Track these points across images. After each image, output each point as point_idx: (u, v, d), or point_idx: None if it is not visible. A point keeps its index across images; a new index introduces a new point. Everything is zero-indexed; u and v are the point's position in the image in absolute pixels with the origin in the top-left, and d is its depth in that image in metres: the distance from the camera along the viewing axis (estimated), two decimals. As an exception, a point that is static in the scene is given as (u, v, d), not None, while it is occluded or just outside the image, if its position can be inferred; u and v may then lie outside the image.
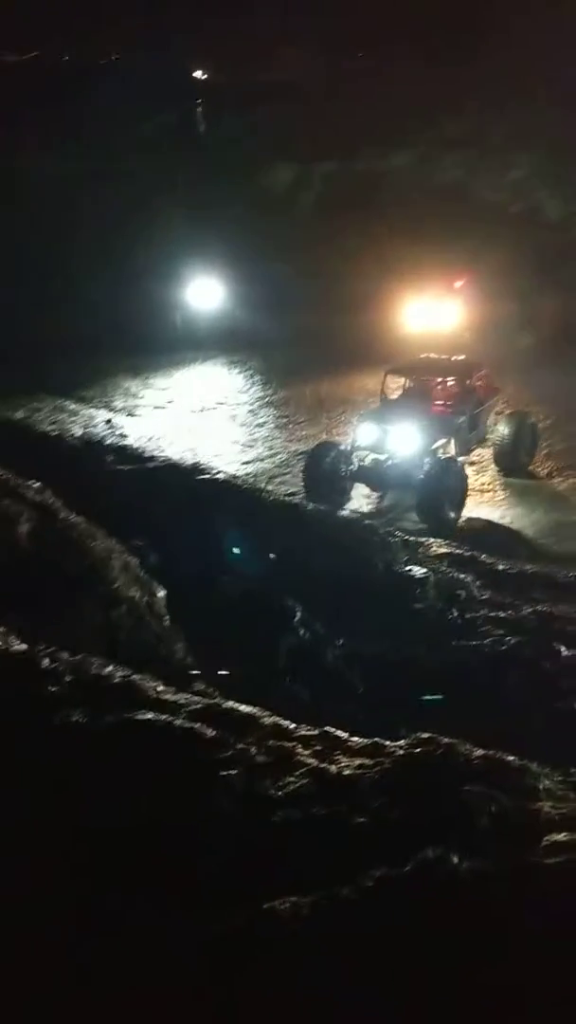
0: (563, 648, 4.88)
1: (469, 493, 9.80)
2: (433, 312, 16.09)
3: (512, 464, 10.86)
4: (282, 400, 13.97)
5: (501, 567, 7.01)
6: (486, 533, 9.23)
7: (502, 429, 10.89)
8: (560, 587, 6.69)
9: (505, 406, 11.48)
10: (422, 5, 25.90)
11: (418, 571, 5.91)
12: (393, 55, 25.65)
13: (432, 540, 8.04)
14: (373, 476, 9.82)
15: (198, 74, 29.58)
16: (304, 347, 16.28)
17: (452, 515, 9.32)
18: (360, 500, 10.12)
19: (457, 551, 7.38)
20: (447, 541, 8.13)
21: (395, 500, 9.91)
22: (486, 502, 10.15)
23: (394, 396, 10.74)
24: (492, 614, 5.60)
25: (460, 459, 10.10)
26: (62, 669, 2.89)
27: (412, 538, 7.43)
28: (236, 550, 5.49)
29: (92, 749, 2.48)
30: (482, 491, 10.31)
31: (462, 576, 6.29)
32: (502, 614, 5.59)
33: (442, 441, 10.09)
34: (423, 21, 25.73)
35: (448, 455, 10.02)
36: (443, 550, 7.26)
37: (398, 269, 17.06)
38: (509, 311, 14.16)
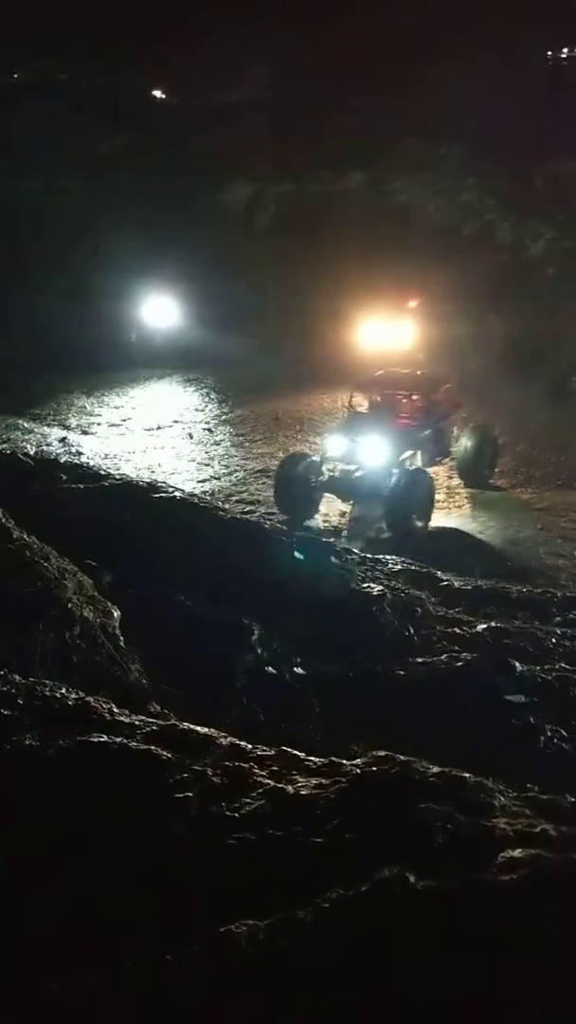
0: (518, 664, 4.92)
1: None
2: (387, 332, 16.30)
3: (475, 476, 11.19)
4: (239, 418, 13.98)
5: (457, 584, 7.06)
6: (452, 540, 9.54)
7: (465, 442, 11.19)
8: (513, 603, 6.76)
9: (463, 422, 11.66)
10: (379, 36, 26.35)
11: (375, 588, 5.92)
12: (348, 81, 26.05)
13: (388, 557, 8.08)
14: (343, 486, 10.08)
15: (156, 94, 29.74)
16: (260, 365, 16.34)
17: (419, 524, 9.60)
18: (328, 509, 10.34)
19: (413, 567, 7.42)
20: (402, 558, 8.19)
21: (363, 511, 10.16)
22: (451, 512, 10.49)
23: (360, 410, 11.01)
24: (448, 630, 5.63)
25: (427, 470, 10.43)
26: (14, 692, 2.84)
27: (369, 555, 7.46)
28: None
29: (45, 773, 2.43)
30: (448, 502, 10.60)
31: (418, 593, 6.32)
32: (458, 630, 5.62)
33: (408, 453, 10.39)
34: (379, 50, 26.17)
35: (415, 467, 10.31)
36: (399, 567, 7.29)
37: (352, 289, 17.24)
38: (461, 332, 14.38)
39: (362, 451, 10.02)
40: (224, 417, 14.05)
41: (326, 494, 10.28)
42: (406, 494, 9.56)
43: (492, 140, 23.61)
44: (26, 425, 12.98)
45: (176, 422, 13.69)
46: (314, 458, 10.28)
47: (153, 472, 11.00)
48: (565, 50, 33.39)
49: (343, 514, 10.00)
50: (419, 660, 5.05)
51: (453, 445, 11.34)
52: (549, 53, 31.71)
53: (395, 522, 9.48)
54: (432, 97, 24.24)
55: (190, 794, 2.36)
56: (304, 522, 9.77)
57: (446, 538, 9.74)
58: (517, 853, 2.11)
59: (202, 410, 14.45)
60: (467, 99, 24.48)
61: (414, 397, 10.96)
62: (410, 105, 24.09)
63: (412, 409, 10.83)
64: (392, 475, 9.73)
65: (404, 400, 10.91)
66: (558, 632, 5.94)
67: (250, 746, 2.78)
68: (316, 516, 10.05)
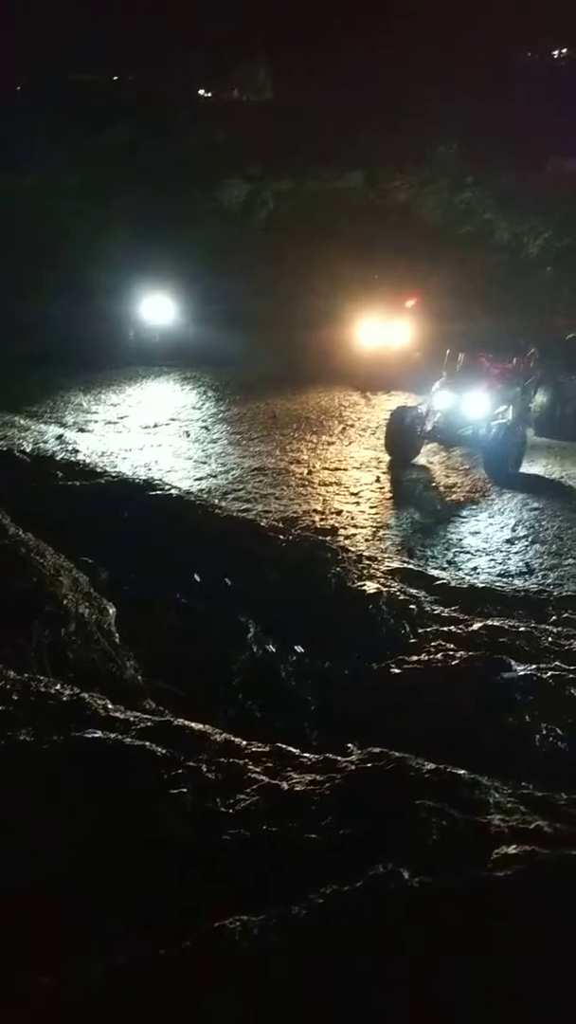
0: (513, 662, 4.92)
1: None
2: (385, 331, 16.33)
3: (550, 427, 13.23)
4: (236, 416, 13.96)
5: (453, 583, 7.07)
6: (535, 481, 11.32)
7: (540, 398, 13.18)
8: (509, 601, 6.77)
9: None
10: (378, 36, 26.38)
11: (370, 587, 5.93)
12: (346, 81, 26.08)
13: (384, 555, 8.09)
14: (447, 435, 11.73)
15: (156, 91, 29.63)
16: (258, 364, 16.32)
17: (511, 470, 11.24)
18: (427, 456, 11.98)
19: (408, 566, 7.43)
20: (399, 556, 8.21)
21: (465, 455, 11.92)
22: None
23: (455, 370, 12.35)
24: (444, 629, 5.64)
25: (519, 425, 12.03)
26: (8, 688, 2.84)
27: (364, 553, 7.47)
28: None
29: (39, 768, 2.43)
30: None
31: (413, 591, 6.33)
32: (453, 629, 5.63)
33: (503, 407, 12.09)
34: (378, 51, 26.20)
35: (507, 420, 11.90)
36: (395, 565, 7.30)
37: (350, 288, 17.26)
38: (457, 331, 14.41)
39: (465, 404, 11.55)
40: (221, 415, 14.03)
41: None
42: (503, 443, 11.13)
43: (491, 139, 23.64)
44: (22, 422, 12.95)
45: (173, 420, 13.66)
46: (420, 409, 11.80)
47: (150, 470, 10.97)
48: (563, 50, 33.45)
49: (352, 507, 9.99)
50: (414, 658, 5.05)
51: (531, 402, 13.08)
52: (528, 54, 31.84)
53: (492, 467, 11.10)
54: (430, 97, 24.25)
55: (184, 790, 2.36)
56: (409, 462, 11.65)
57: (531, 480, 11.32)
58: (512, 849, 2.12)
59: (199, 408, 14.42)
60: (465, 99, 24.51)
61: (507, 362, 12.54)
62: (409, 103, 24.10)
63: (504, 371, 12.37)
64: (491, 428, 11.36)
65: (495, 363, 12.45)
66: (554, 631, 5.95)
67: (245, 742, 2.78)
68: (317, 515, 10.19)
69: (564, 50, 33.62)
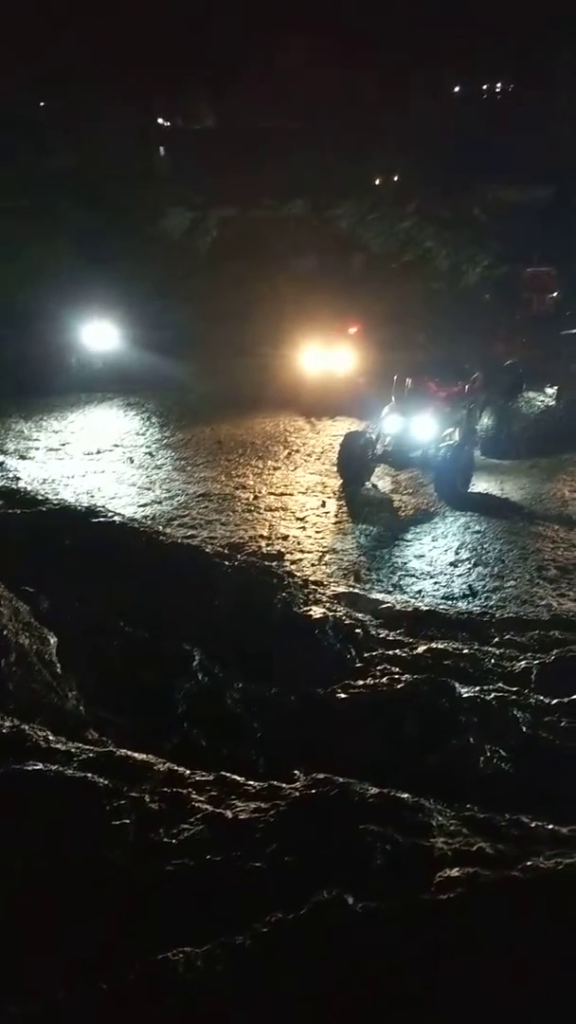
0: (457, 684, 4.96)
1: None
2: (329, 357, 16.50)
3: (494, 448, 13.53)
4: (180, 442, 13.93)
5: (398, 606, 7.11)
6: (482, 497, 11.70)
7: (485, 420, 13.57)
8: (453, 623, 6.83)
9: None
10: (318, 71, 26.86)
11: (316, 611, 5.93)
12: (288, 113, 26.46)
13: (330, 580, 8.12)
14: (397, 457, 12.02)
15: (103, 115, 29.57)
16: (202, 389, 16.33)
17: (461, 490, 11.56)
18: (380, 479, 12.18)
19: (354, 590, 7.47)
20: (345, 580, 8.25)
21: (413, 476, 12.19)
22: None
23: (404, 394, 12.57)
24: (389, 652, 5.66)
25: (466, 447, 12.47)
26: (-54, 721, 2.78)
27: (311, 578, 7.48)
28: None
29: (-23, 804, 2.38)
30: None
31: (359, 615, 6.35)
32: (399, 652, 5.66)
33: (450, 430, 12.53)
34: (318, 83, 26.66)
35: (454, 442, 12.36)
36: (341, 589, 7.33)
37: (293, 314, 17.41)
38: (400, 359, 14.62)
39: (414, 427, 11.87)
40: (165, 441, 13.97)
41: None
42: (452, 464, 11.51)
43: (430, 171, 24.16)
44: (-38, 450, 12.77)
45: (116, 446, 13.57)
46: (370, 433, 12.14)
47: (92, 497, 10.87)
48: (499, 84, 34.42)
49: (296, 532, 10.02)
50: (360, 682, 5.06)
51: (477, 424, 13.49)
52: (456, 88, 32.77)
53: (442, 487, 11.43)
54: (370, 128, 24.72)
55: (127, 821, 2.33)
56: (362, 485, 11.87)
57: (477, 499, 11.59)
58: (454, 872, 2.13)
59: (143, 434, 14.35)
60: (404, 131, 25.02)
61: (453, 386, 12.87)
62: (350, 137, 24.54)
63: (451, 395, 12.71)
64: (440, 449, 11.76)
65: (442, 387, 12.72)
66: (496, 652, 6.02)
67: (188, 772, 2.76)
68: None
69: (499, 84, 34.63)
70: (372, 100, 25.97)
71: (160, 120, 31.65)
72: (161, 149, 27.68)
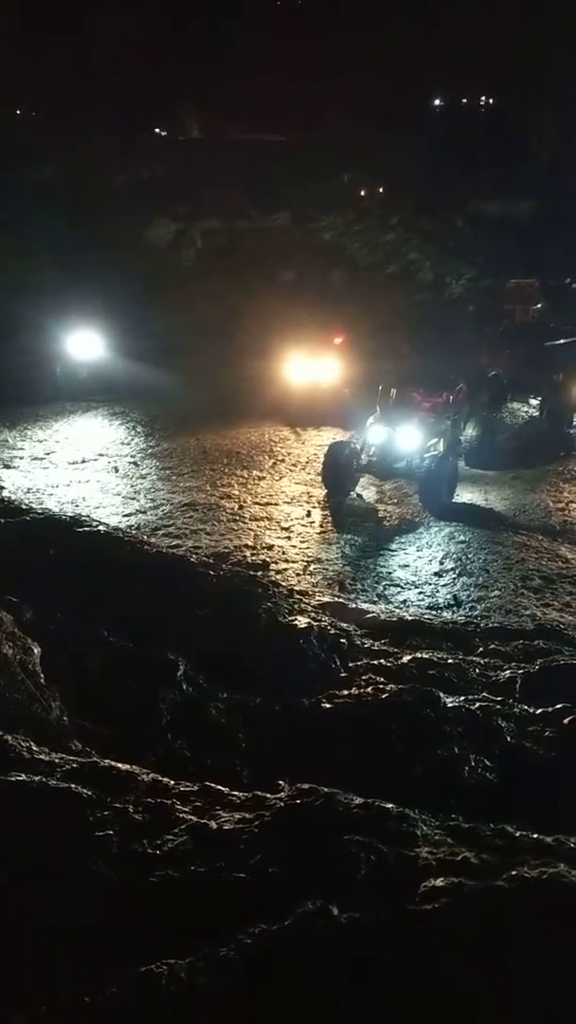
0: (442, 694, 4.96)
1: None
2: (314, 367, 16.56)
3: (479, 459, 13.73)
4: (165, 452, 13.91)
5: (383, 616, 7.12)
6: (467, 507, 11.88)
7: (469, 431, 13.76)
8: (438, 633, 6.84)
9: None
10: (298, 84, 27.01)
11: (301, 621, 5.92)
12: (270, 125, 26.57)
13: (315, 589, 8.12)
14: (381, 468, 12.14)
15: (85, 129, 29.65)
16: (187, 399, 16.34)
17: (446, 500, 11.67)
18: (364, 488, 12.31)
19: (339, 600, 7.47)
20: (330, 590, 8.24)
21: (398, 486, 12.32)
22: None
23: (390, 405, 12.70)
24: (374, 662, 5.66)
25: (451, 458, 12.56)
26: None
27: (296, 587, 7.47)
28: None
29: (-41, 815, 2.36)
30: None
31: (344, 625, 6.35)
32: (384, 662, 5.65)
33: (434, 440, 12.57)
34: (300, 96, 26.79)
35: (439, 452, 12.39)
36: (326, 599, 7.33)
37: (278, 324, 17.47)
38: (385, 369, 14.69)
39: (398, 438, 11.98)
40: (151, 450, 13.96)
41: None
42: (436, 474, 11.55)
43: (414, 183, 24.32)
44: (-55, 459, 12.71)
45: (101, 455, 13.54)
46: (355, 443, 12.21)
47: (77, 506, 10.84)
48: (483, 98, 34.70)
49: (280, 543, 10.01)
50: (345, 692, 5.06)
51: (461, 434, 13.61)
52: (437, 102, 33.07)
53: (427, 498, 11.52)
54: (353, 143, 24.87)
55: (110, 832, 2.31)
56: (347, 495, 11.95)
57: (461, 509, 11.75)
58: (439, 882, 2.13)
59: (128, 443, 14.33)
60: (387, 145, 25.17)
61: (438, 397, 12.97)
62: (331, 153, 24.69)
63: (435, 405, 12.83)
64: (424, 460, 11.82)
65: (427, 398, 12.87)
66: (481, 662, 6.03)
67: (173, 782, 2.75)
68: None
69: (483, 98, 34.92)
70: (356, 112, 26.12)
71: (144, 131, 31.72)
72: (144, 160, 27.71)
